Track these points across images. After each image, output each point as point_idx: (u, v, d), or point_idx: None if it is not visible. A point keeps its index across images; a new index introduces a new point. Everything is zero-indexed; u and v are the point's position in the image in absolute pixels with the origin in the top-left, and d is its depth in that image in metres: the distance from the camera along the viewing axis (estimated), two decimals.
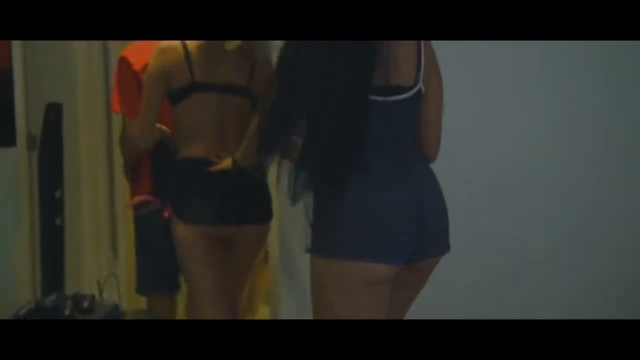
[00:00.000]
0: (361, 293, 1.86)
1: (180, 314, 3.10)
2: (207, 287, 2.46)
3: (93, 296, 2.60)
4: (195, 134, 2.42)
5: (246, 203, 2.47)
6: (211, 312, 2.46)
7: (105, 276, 3.16)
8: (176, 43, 2.38)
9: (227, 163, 2.39)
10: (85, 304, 2.54)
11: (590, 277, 2.72)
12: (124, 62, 2.66)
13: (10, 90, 3.32)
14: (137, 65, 2.64)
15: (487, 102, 2.66)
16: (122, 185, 3.58)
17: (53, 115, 3.09)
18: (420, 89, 1.92)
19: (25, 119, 3.42)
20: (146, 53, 2.55)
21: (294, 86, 1.85)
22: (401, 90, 1.89)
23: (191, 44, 2.40)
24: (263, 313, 3.46)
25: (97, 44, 3.49)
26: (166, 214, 2.50)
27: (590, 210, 2.72)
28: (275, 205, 2.59)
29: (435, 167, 2.01)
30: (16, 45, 3.30)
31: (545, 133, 2.70)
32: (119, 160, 3.53)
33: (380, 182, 1.86)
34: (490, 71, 2.64)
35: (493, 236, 2.70)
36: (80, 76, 3.47)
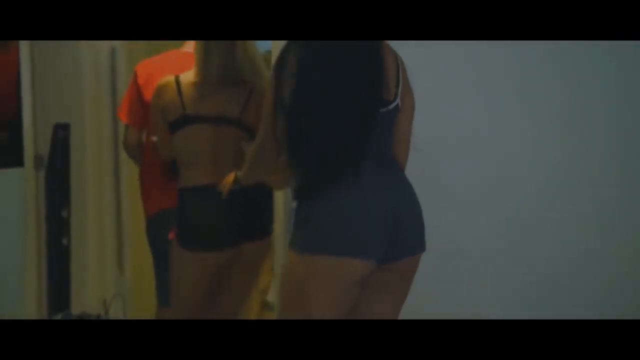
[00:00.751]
0: (336, 290, 1.94)
1: None
2: (191, 311, 2.57)
3: (99, 316, 2.60)
4: (193, 162, 2.53)
5: (246, 223, 2.55)
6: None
7: (111, 296, 3.17)
8: (171, 79, 2.53)
9: (229, 178, 2.45)
10: None
11: (602, 277, 2.71)
12: (134, 75, 2.85)
13: (18, 111, 3.35)
14: (141, 79, 2.80)
15: (487, 102, 2.66)
16: (129, 206, 3.59)
17: (60, 135, 3.11)
18: (398, 104, 2.04)
19: (33, 139, 3.45)
20: (152, 67, 2.78)
21: (308, 99, 1.94)
22: (386, 102, 2.02)
23: (184, 79, 2.53)
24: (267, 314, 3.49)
25: (105, 65, 3.52)
26: (170, 237, 2.56)
27: (590, 210, 2.71)
28: (280, 211, 2.62)
29: (439, 167, 2.04)
30: (24, 64, 3.34)
31: (547, 132, 2.68)
32: (125, 181, 3.56)
33: (362, 183, 1.95)
34: (489, 71, 2.65)
35: (494, 237, 2.69)
36: (88, 97, 3.49)
